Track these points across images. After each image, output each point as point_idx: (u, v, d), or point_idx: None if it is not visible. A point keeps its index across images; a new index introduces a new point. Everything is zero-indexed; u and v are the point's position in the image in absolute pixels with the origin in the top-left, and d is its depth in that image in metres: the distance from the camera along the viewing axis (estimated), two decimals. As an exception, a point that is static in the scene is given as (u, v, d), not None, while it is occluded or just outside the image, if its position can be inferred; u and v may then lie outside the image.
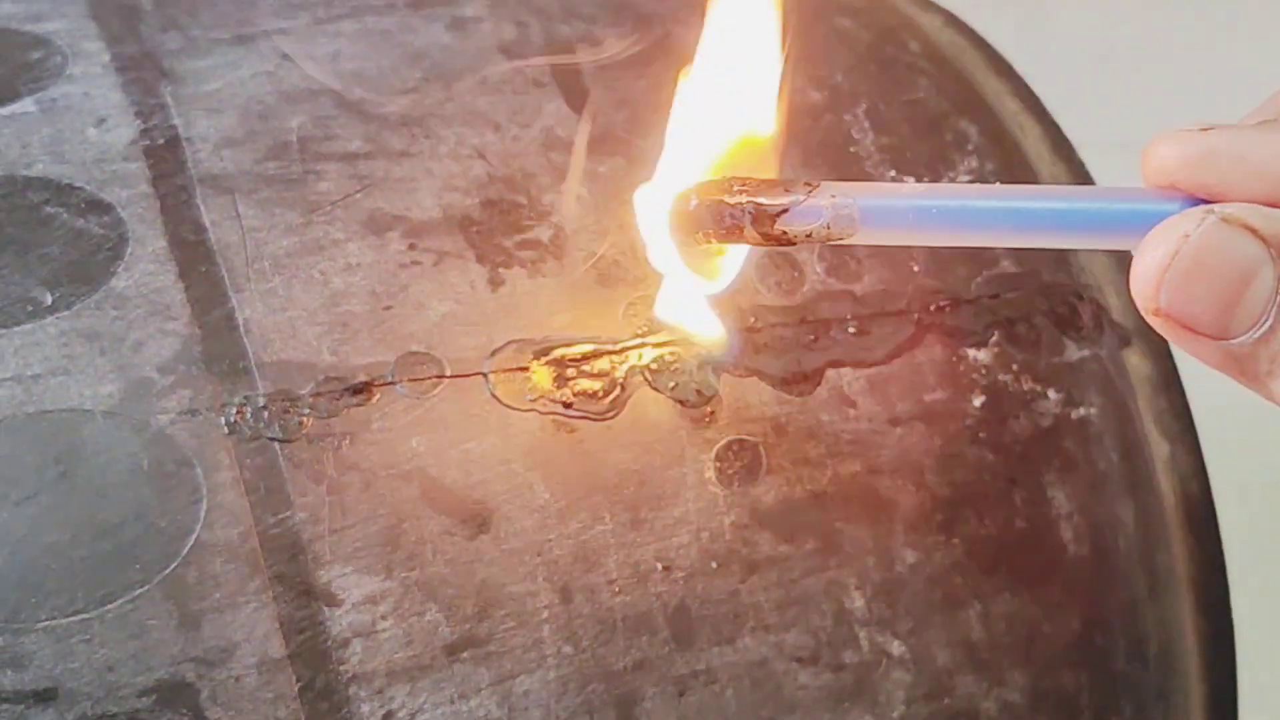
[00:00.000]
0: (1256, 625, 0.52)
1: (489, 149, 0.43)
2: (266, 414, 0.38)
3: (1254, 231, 0.33)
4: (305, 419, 0.38)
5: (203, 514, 0.37)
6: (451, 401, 0.39)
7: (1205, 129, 0.35)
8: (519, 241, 0.41)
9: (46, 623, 0.36)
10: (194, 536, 0.37)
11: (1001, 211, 0.35)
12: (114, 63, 0.42)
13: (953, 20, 0.55)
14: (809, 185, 0.35)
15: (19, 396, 0.37)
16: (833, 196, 0.35)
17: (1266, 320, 0.33)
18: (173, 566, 0.36)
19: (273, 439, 0.38)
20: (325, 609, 0.37)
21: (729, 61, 0.38)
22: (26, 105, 0.41)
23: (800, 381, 0.42)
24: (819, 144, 0.46)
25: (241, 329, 0.39)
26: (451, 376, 0.39)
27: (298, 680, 0.37)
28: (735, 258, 0.39)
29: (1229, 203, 0.34)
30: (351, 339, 0.39)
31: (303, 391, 0.38)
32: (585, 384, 0.40)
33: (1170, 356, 0.49)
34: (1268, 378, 0.34)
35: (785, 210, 0.35)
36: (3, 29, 0.43)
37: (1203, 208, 0.34)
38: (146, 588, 0.36)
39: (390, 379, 0.39)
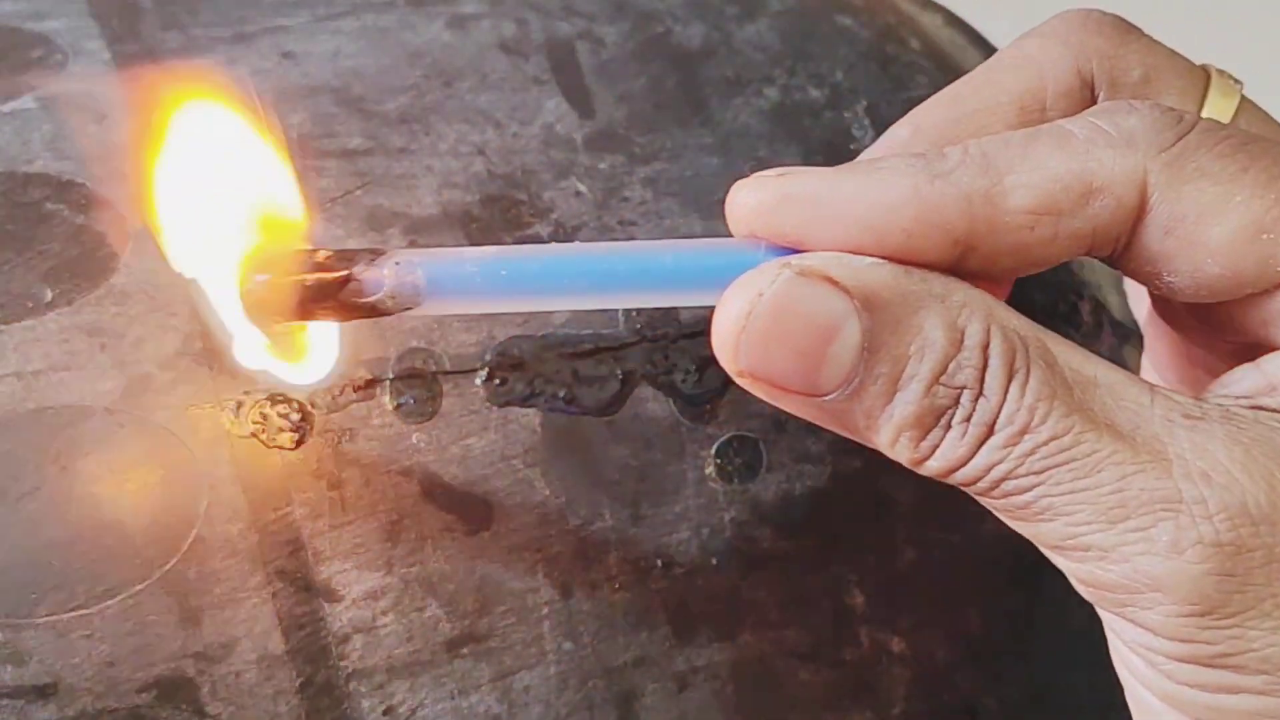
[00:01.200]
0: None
1: (489, 146, 0.43)
2: (265, 411, 0.38)
3: (834, 283, 0.32)
4: (305, 415, 0.38)
5: (203, 510, 0.37)
6: (452, 398, 0.39)
7: (782, 173, 0.33)
8: (519, 238, 0.42)
9: (47, 618, 0.36)
10: (194, 532, 0.37)
11: (575, 271, 0.34)
12: (114, 61, 0.42)
13: (953, 19, 0.55)
14: (373, 253, 0.34)
15: (19, 392, 0.37)
16: (396, 264, 0.33)
17: (856, 377, 0.32)
18: (173, 562, 0.36)
19: (272, 435, 0.38)
20: (325, 605, 0.37)
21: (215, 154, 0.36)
22: (27, 102, 0.41)
23: (800, 378, 0.42)
24: (819, 142, 0.46)
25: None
26: (451, 372, 0.39)
27: (298, 676, 0.37)
28: (324, 340, 0.37)
29: (809, 252, 0.33)
30: (351, 335, 0.39)
31: (303, 387, 0.38)
32: (586, 380, 0.40)
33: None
34: (868, 432, 0.33)
35: (348, 280, 0.33)
36: (3, 27, 0.43)
37: (779, 261, 0.32)
38: (147, 583, 0.36)
39: (390, 375, 0.39)
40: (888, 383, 0.32)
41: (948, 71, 0.50)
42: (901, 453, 0.33)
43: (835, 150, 0.46)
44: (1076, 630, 0.44)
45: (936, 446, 0.33)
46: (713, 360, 0.40)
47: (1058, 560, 0.34)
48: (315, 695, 0.37)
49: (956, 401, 0.32)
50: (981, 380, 0.32)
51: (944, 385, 0.32)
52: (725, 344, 0.32)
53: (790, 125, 0.46)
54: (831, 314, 0.32)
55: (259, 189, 0.36)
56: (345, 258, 0.34)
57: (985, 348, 0.32)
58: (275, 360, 0.36)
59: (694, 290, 0.34)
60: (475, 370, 0.40)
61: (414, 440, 0.39)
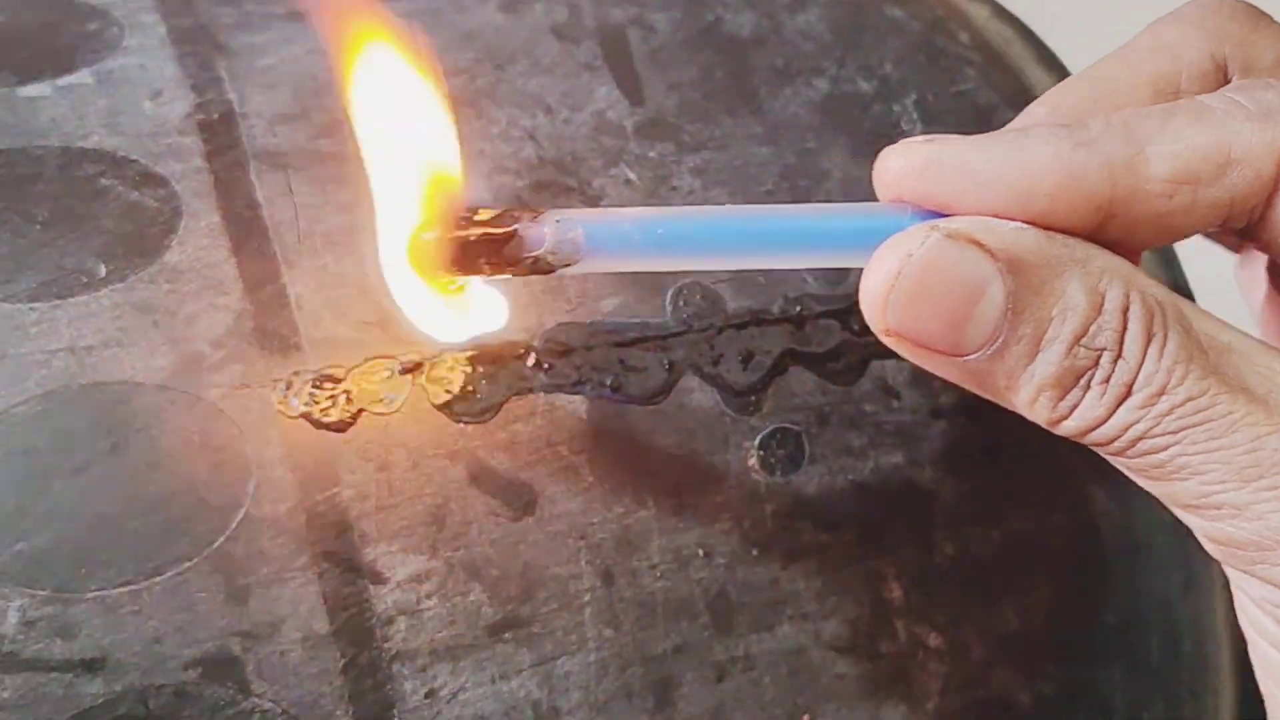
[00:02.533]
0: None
1: (540, 131, 0.43)
2: (317, 390, 0.38)
3: (980, 246, 0.33)
4: (354, 397, 0.38)
5: (252, 489, 0.37)
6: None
7: (930, 140, 0.34)
8: (569, 225, 0.42)
9: (96, 593, 0.36)
10: (242, 511, 0.37)
11: (734, 234, 0.35)
12: (170, 35, 0.43)
13: (1000, 11, 0.55)
14: (533, 212, 0.35)
15: (72, 368, 0.37)
16: (556, 221, 0.34)
17: (999, 337, 0.33)
18: (221, 540, 0.37)
19: (322, 416, 0.38)
20: (370, 586, 0.38)
21: (395, 110, 0.37)
22: (83, 77, 0.41)
23: (845, 371, 0.42)
24: (868, 133, 0.46)
25: (293, 305, 0.39)
26: (500, 356, 0.40)
27: (342, 656, 0.37)
28: (486, 301, 0.38)
29: (956, 216, 0.34)
30: (401, 317, 0.39)
31: (353, 368, 0.38)
32: (632, 369, 0.40)
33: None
34: (1007, 392, 0.34)
35: (513, 236, 0.35)
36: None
37: (927, 224, 0.33)
38: (195, 561, 0.37)
39: (439, 357, 0.39)
40: (1030, 344, 0.33)
41: (996, 65, 0.50)
42: (1040, 412, 0.34)
43: (884, 143, 0.45)
44: (1111, 627, 0.45)
45: (1075, 406, 0.34)
46: (758, 352, 0.41)
47: (1189, 519, 0.35)
48: (359, 676, 0.37)
49: (1096, 363, 0.33)
50: (1121, 342, 0.33)
51: (1084, 347, 0.33)
52: (874, 303, 0.33)
53: (839, 117, 0.46)
54: (978, 276, 0.33)
55: (429, 146, 0.37)
56: (509, 216, 0.35)
57: (1125, 311, 0.33)
58: (438, 319, 0.38)
59: (841, 251, 0.35)
60: (523, 356, 0.40)
61: (462, 424, 0.39)
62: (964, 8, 0.53)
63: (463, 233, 0.35)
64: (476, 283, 0.37)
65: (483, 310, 0.38)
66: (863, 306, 0.34)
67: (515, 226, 0.35)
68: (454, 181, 0.37)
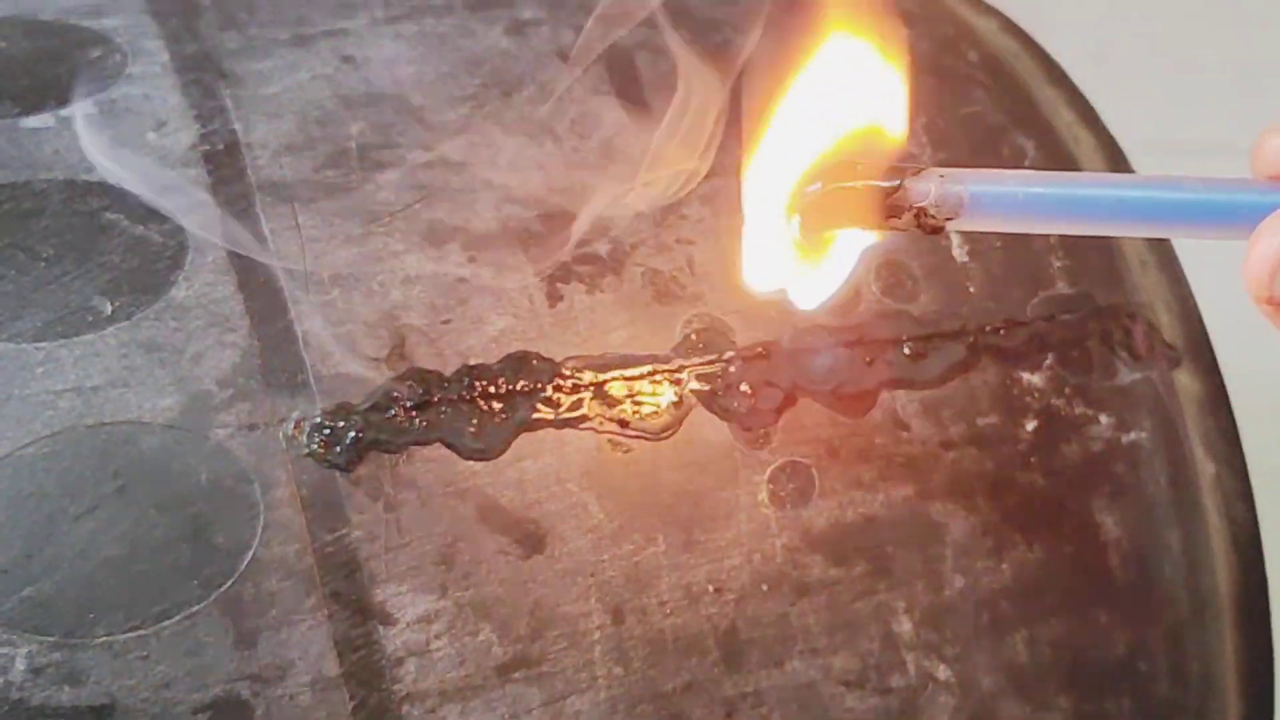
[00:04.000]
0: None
1: (548, 160, 0.42)
2: (325, 429, 0.38)
3: None
4: (363, 435, 0.38)
5: (260, 530, 0.37)
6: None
7: None
8: (577, 256, 0.41)
9: (104, 638, 0.36)
10: (251, 553, 0.37)
11: (1110, 201, 0.35)
12: (173, 62, 0.42)
13: (1008, 25, 0.54)
14: (916, 169, 0.35)
15: (79, 408, 0.37)
16: (940, 177, 0.35)
17: None
18: (229, 583, 0.36)
19: (330, 456, 0.38)
20: (380, 628, 0.37)
21: (847, 57, 0.38)
22: (87, 107, 0.41)
23: (855, 403, 0.42)
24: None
25: (300, 342, 0.38)
26: (511, 393, 0.39)
27: (351, 699, 0.37)
28: (837, 266, 0.38)
29: None
30: (411, 353, 0.39)
31: (361, 406, 0.38)
32: (642, 402, 0.40)
33: (1219, 376, 0.49)
34: None
35: (898, 189, 0.35)
36: (62, 24, 0.43)
37: None
38: (203, 604, 0.36)
39: (450, 395, 0.39)
40: None
41: (1004, 84, 0.50)
42: None
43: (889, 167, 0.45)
44: (1120, 657, 0.45)
45: None
46: (768, 384, 0.40)
47: None
48: (368, 718, 0.37)
49: None
50: None
51: None
52: (1259, 274, 0.33)
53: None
54: None
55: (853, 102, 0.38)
56: (895, 170, 0.35)
57: None
58: (794, 279, 0.38)
59: (1218, 224, 0.35)
60: (534, 390, 0.39)
61: (470, 462, 0.39)
62: (972, 23, 0.52)
63: (850, 183, 0.36)
64: (846, 239, 0.38)
65: (825, 283, 0.39)
66: (1247, 275, 0.34)
67: (902, 179, 0.35)
68: (876, 139, 0.38)
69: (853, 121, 0.38)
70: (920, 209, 0.35)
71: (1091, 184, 0.36)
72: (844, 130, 0.37)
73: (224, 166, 0.40)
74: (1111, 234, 0.39)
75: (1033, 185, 0.35)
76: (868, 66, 0.38)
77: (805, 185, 0.36)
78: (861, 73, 0.38)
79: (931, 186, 0.35)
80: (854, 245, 0.38)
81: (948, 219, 0.35)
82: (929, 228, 0.35)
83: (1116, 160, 0.51)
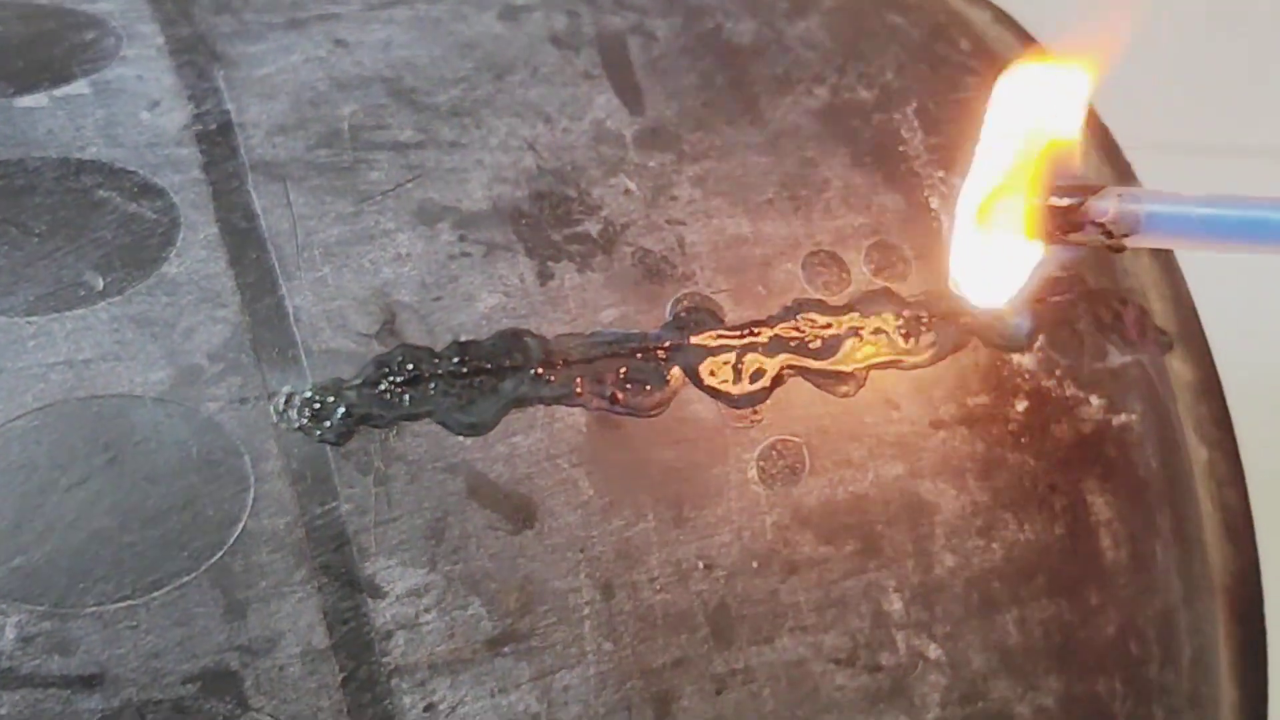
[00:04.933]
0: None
1: (539, 141, 0.43)
2: (315, 404, 0.38)
3: None
4: (353, 410, 0.38)
5: (250, 503, 0.37)
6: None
7: None
8: (568, 235, 0.41)
9: (94, 608, 0.36)
10: (241, 525, 0.37)
11: None
12: (167, 45, 0.42)
13: (1001, 16, 0.54)
14: (1092, 186, 0.38)
15: (70, 381, 0.37)
16: (1119, 195, 0.37)
17: None
18: (219, 555, 0.37)
19: (320, 431, 0.38)
20: (369, 600, 0.37)
21: (1039, 73, 0.41)
22: (81, 87, 0.41)
23: (845, 382, 0.42)
24: (868, 142, 0.45)
25: (291, 317, 0.39)
26: (501, 369, 0.39)
27: (341, 671, 0.37)
28: (1015, 273, 0.41)
29: None
30: (401, 329, 0.39)
31: (351, 381, 0.38)
32: (632, 380, 0.40)
33: (1212, 362, 0.49)
34: None
35: (1081, 206, 0.38)
36: (57, 8, 0.43)
37: None
38: (193, 575, 0.36)
39: (439, 371, 0.39)
40: None
41: (996, 72, 0.50)
42: None
43: (884, 152, 0.45)
44: (1110, 640, 0.45)
45: None
46: (757, 362, 0.41)
47: None
48: (357, 690, 0.37)
49: None
50: None
51: None
52: None
53: (839, 126, 0.46)
54: None
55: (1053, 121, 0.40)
56: (1076, 188, 0.38)
57: None
58: (984, 284, 0.41)
59: None
60: (524, 367, 0.40)
61: (460, 437, 0.39)
62: (965, 13, 0.53)
63: (1038, 199, 0.38)
64: (1029, 250, 0.40)
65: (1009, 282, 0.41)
66: None
67: (1085, 197, 0.38)
68: (1062, 155, 0.40)
69: (1038, 140, 0.40)
70: (1101, 224, 0.37)
71: (1269, 206, 0.37)
72: (1032, 149, 0.40)
73: (217, 145, 0.41)
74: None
75: (1208, 207, 0.37)
76: (1049, 87, 0.41)
77: (995, 200, 0.39)
78: (1043, 93, 0.41)
79: (1110, 205, 0.37)
80: (1033, 256, 0.41)
81: (1124, 235, 0.37)
82: (1110, 244, 0.38)
83: (1110, 152, 0.52)
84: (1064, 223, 0.38)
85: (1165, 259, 0.50)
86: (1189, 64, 0.90)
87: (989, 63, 0.50)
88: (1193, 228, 0.37)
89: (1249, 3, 0.94)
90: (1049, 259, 0.41)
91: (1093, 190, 0.38)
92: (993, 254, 0.41)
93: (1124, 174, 0.51)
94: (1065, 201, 0.38)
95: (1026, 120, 0.40)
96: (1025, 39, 0.53)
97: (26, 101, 0.40)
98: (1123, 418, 0.46)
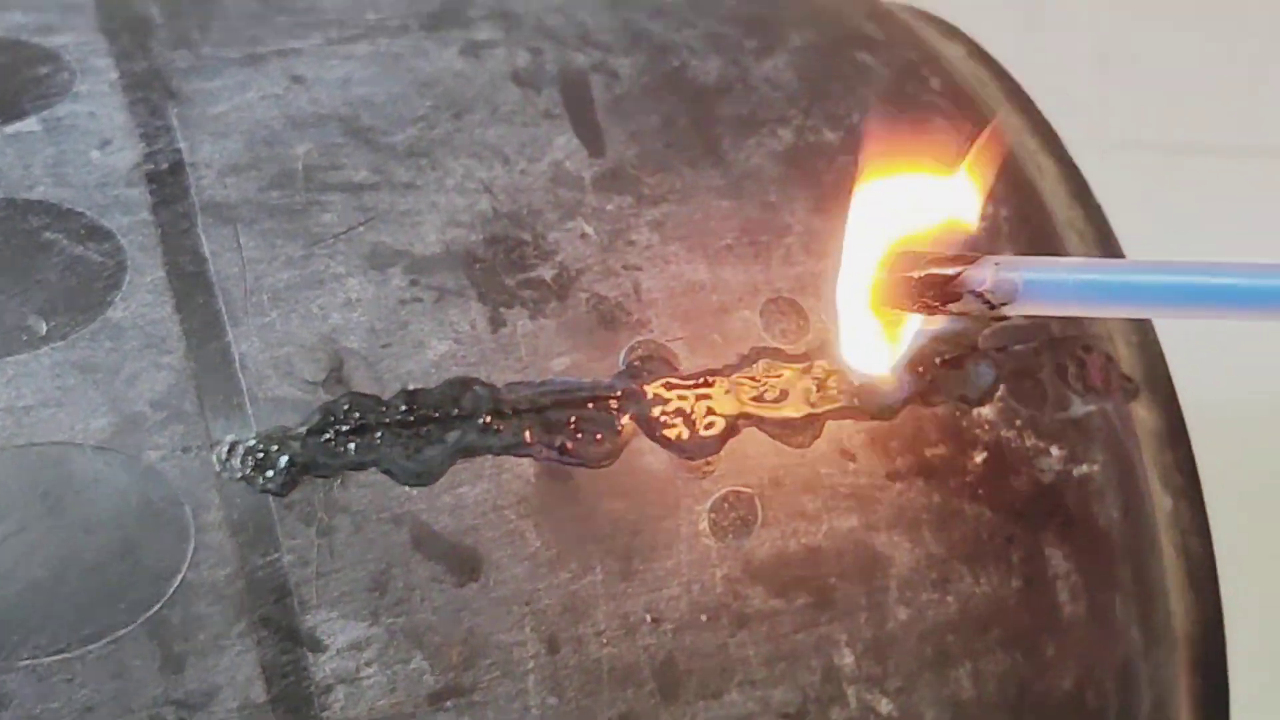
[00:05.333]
0: (1253, 683, 0.52)
1: (496, 183, 0.42)
2: (258, 453, 0.37)
3: None
4: (297, 460, 0.38)
5: (190, 553, 0.37)
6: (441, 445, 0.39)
7: None
8: (521, 280, 0.41)
9: (28, 661, 0.35)
10: (180, 577, 0.37)
11: (1162, 287, 0.36)
12: (121, 80, 0.42)
13: (976, 50, 0.54)
14: (970, 257, 0.38)
15: (9, 427, 0.37)
16: (995, 264, 0.37)
17: None
18: (157, 607, 0.36)
19: (263, 480, 0.37)
20: (309, 654, 0.37)
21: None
22: (31, 124, 0.40)
23: (800, 432, 0.42)
24: (832, 185, 0.45)
25: (237, 364, 0.38)
26: (449, 418, 0.39)
27: (279, 725, 0.37)
28: (904, 335, 0.41)
29: None
30: (349, 377, 0.39)
31: (296, 430, 0.38)
32: (583, 430, 0.40)
33: (1178, 409, 0.48)
34: None
35: (957, 277, 0.37)
36: (13, 41, 0.43)
37: None
38: (130, 628, 0.36)
39: (386, 420, 0.39)
40: None
41: (967, 111, 0.50)
42: None
43: (845, 197, 0.45)
44: (1067, 693, 0.44)
45: None
46: (711, 412, 0.40)
47: None
48: (295, 745, 0.37)
49: None
50: None
51: None
52: None
53: (803, 168, 0.45)
54: None
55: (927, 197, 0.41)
56: (953, 259, 0.38)
57: None
58: (868, 350, 0.41)
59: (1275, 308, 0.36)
60: (473, 416, 0.39)
61: (406, 488, 0.38)
62: (938, 49, 0.52)
63: (913, 271, 0.38)
64: (914, 321, 0.41)
65: (893, 352, 0.41)
66: None
67: (962, 268, 0.38)
68: (928, 236, 0.40)
69: (924, 217, 0.40)
70: (980, 293, 0.37)
71: (1144, 270, 0.36)
72: (915, 225, 0.40)
73: (167, 186, 0.40)
74: (1167, 317, 0.40)
75: (1085, 273, 0.37)
76: (936, 172, 0.41)
77: (877, 272, 0.39)
78: (930, 176, 0.41)
79: (987, 274, 0.37)
80: (914, 325, 0.41)
81: (1003, 304, 0.37)
82: (988, 313, 0.38)
83: (1080, 188, 0.51)
84: (942, 293, 0.38)
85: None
86: (1189, 63, 0.90)
87: (959, 101, 0.50)
88: (1070, 294, 0.37)
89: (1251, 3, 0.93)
90: (933, 326, 0.41)
91: (969, 260, 0.38)
92: (872, 324, 0.41)
93: (1096, 219, 0.50)
94: (941, 272, 0.38)
95: (909, 198, 0.41)
96: (999, 74, 0.53)
97: (-25, 139, 0.40)
98: (1084, 468, 0.45)
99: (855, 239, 0.40)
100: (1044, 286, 0.37)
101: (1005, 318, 0.38)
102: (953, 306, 0.38)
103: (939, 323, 0.40)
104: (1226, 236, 0.78)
